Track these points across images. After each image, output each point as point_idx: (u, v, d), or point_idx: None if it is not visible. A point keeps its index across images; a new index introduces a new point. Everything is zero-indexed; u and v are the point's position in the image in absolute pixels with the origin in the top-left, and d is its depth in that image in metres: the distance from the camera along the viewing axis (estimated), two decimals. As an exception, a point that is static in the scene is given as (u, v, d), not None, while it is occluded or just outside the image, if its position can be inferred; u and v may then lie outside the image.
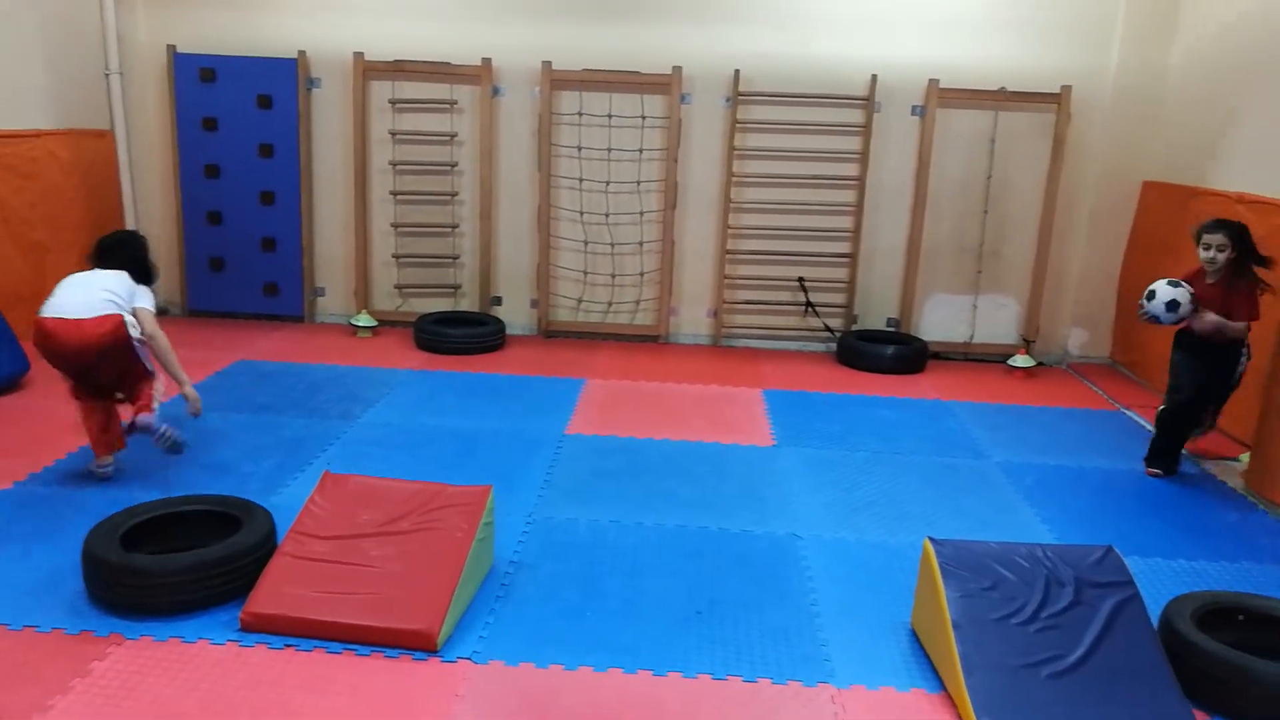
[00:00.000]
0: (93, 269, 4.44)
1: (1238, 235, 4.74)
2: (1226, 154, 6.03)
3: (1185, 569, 4.02)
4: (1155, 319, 4.81)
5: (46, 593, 3.36)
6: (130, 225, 7.37)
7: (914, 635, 3.39)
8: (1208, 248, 4.79)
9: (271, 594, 3.23)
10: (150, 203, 7.42)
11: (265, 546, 3.43)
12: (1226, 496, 4.83)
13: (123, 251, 4.56)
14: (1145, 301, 4.83)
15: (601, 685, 3.04)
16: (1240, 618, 3.28)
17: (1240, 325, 4.74)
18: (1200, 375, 4.91)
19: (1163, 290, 4.78)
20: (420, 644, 3.14)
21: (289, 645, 3.13)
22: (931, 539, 3.31)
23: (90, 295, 4.21)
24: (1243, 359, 4.92)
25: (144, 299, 4.45)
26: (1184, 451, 5.17)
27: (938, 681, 3.11)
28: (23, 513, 3.98)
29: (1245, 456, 5.11)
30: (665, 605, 3.52)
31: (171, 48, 7.04)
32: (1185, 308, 4.74)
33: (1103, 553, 3.31)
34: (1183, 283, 4.80)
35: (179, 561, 3.26)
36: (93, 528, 3.41)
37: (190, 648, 3.09)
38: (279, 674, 2.99)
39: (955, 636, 3.02)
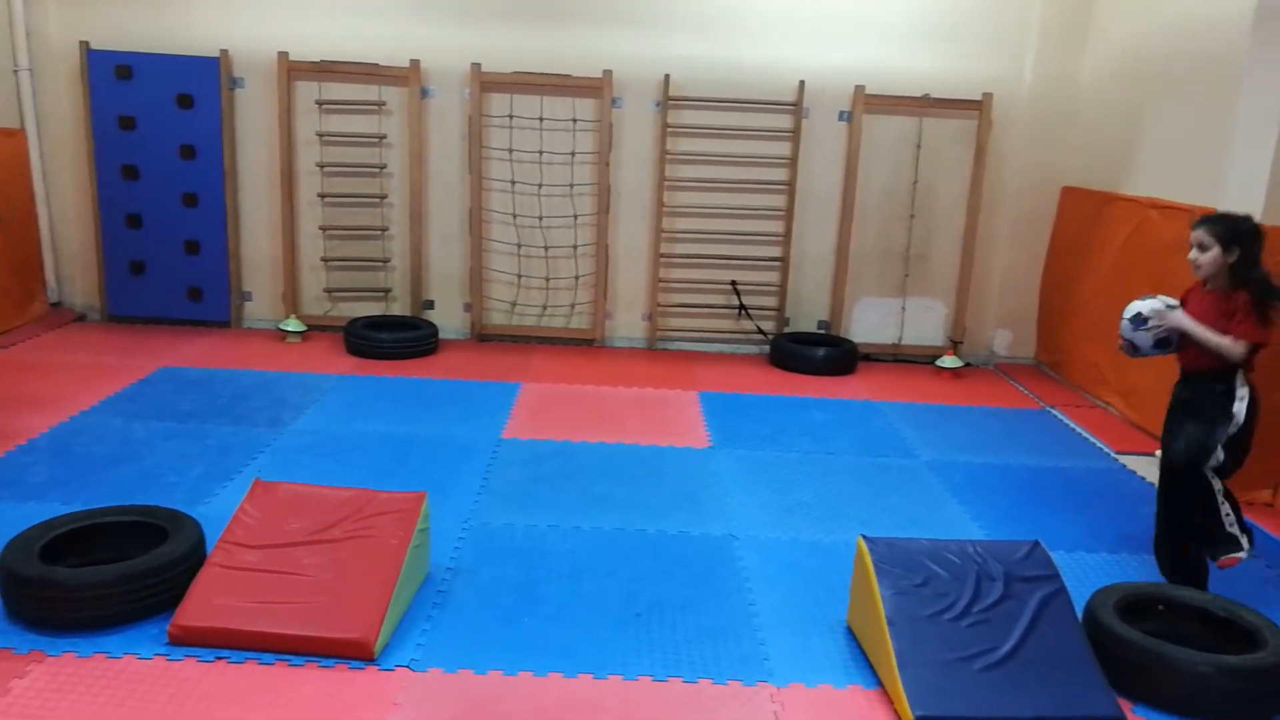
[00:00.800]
0: None
1: (1226, 232, 3.61)
2: (1138, 160, 6.26)
3: (1108, 562, 4.16)
4: (1130, 345, 3.85)
5: (-41, 610, 3.23)
6: (44, 228, 7.13)
7: (850, 633, 3.44)
8: (1190, 248, 3.71)
9: (200, 606, 3.14)
10: (64, 204, 7.17)
11: (194, 557, 3.34)
12: (1146, 491, 4.99)
13: None
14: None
15: (541, 690, 3.02)
16: (1160, 608, 3.40)
17: (1219, 340, 3.57)
18: (1191, 432, 3.71)
19: (1132, 305, 3.81)
20: (356, 653, 3.08)
21: (220, 658, 3.04)
22: (865, 537, 3.37)
23: None
24: (1238, 402, 3.65)
25: None
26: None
27: (874, 677, 3.16)
28: (-68, 527, 3.81)
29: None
30: (604, 608, 3.52)
31: (84, 44, 6.81)
32: (1156, 323, 3.73)
33: (1030, 547, 3.41)
34: (1160, 296, 3.81)
35: (102, 574, 3.15)
36: (9, 541, 3.27)
37: (116, 663, 2.99)
38: (209, 688, 2.91)
39: (890, 633, 3.07)
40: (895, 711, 2.96)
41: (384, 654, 3.13)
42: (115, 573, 3.16)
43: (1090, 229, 6.68)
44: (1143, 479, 5.16)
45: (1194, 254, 3.69)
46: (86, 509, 3.60)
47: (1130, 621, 3.22)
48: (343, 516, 3.49)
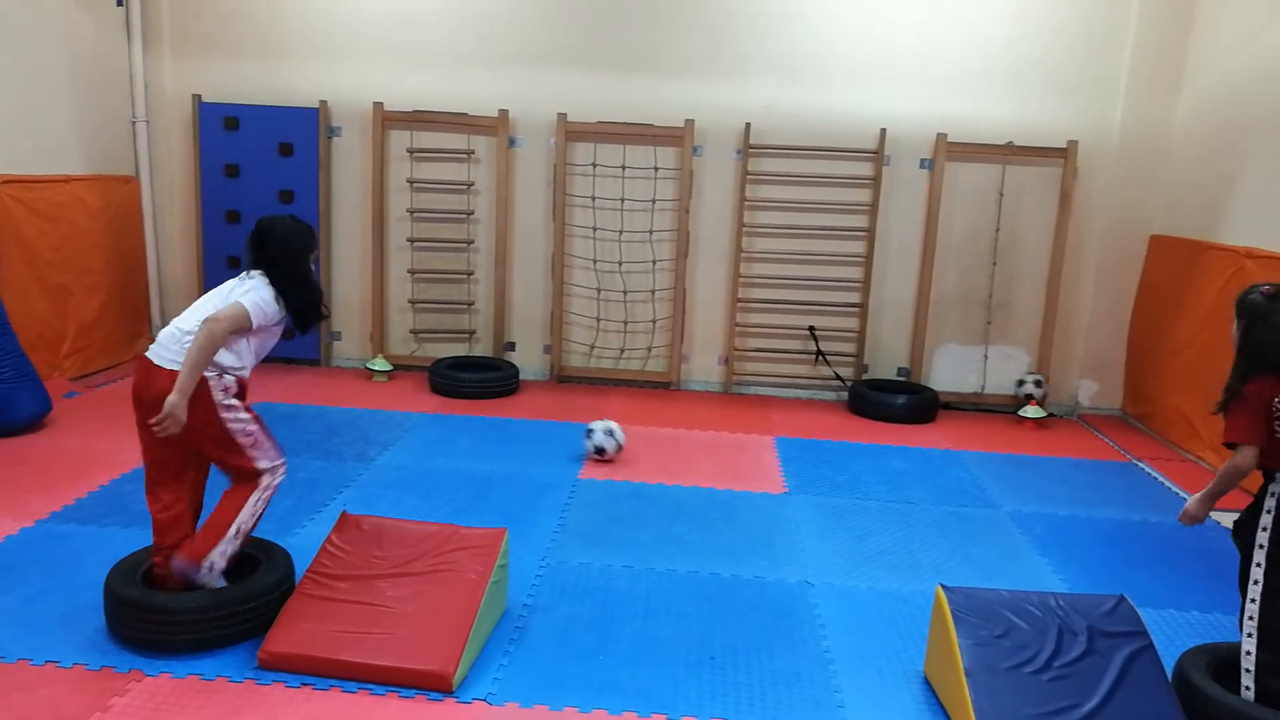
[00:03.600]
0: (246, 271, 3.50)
1: (1238, 303, 3.14)
2: (1233, 208, 6.11)
3: (1199, 621, 4.02)
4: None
5: (68, 629, 3.40)
6: (152, 270, 7.51)
7: (926, 683, 3.40)
8: None
9: (289, 633, 3.26)
10: (172, 247, 7.57)
11: (283, 586, 3.47)
12: (1238, 549, 4.83)
13: (262, 247, 3.47)
14: None
15: (615, 728, 3.05)
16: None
17: (1227, 466, 3.06)
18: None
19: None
20: (436, 685, 3.16)
21: (305, 684, 3.15)
22: (944, 586, 3.33)
23: (185, 321, 3.33)
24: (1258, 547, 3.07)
25: (250, 294, 3.34)
26: None
27: (951, 729, 3.12)
28: (44, 550, 4.02)
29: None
30: (678, 650, 3.54)
31: (197, 97, 7.22)
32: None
33: (1115, 602, 3.32)
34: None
35: (199, 600, 3.29)
36: (114, 565, 3.45)
37: (209, 685, 3.12)
38: (295, 712, 3.01)
39: (968, 684, 3.02)
40: (973, 765, 2.91)
41: (462, 687, 3.20)
42: (211, 598, 3.31)
43: (1181, 279, 6.52)
44: (1237, 536, 4.98)
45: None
46: (185, 536, 3.76)
47: (1223, 683, 3.11)
48: (425, 550, 3.59)
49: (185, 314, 3.40)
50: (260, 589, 3.40)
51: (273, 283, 3.43)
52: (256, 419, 3.47)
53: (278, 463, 3.53)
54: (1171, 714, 2.99)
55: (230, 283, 3.48)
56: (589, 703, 3.17)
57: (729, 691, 3.29)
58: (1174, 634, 3.84)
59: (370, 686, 3.15)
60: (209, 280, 7.39)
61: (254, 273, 3.47)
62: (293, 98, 7.24)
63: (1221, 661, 3.23)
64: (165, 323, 7.59)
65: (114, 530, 4.24)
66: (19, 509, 4.41)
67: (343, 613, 3.34)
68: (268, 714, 2.99)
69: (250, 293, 3.36)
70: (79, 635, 3.36)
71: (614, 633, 3.64)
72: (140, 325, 7.44)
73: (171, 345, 3.30)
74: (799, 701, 3.25)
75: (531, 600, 3.85)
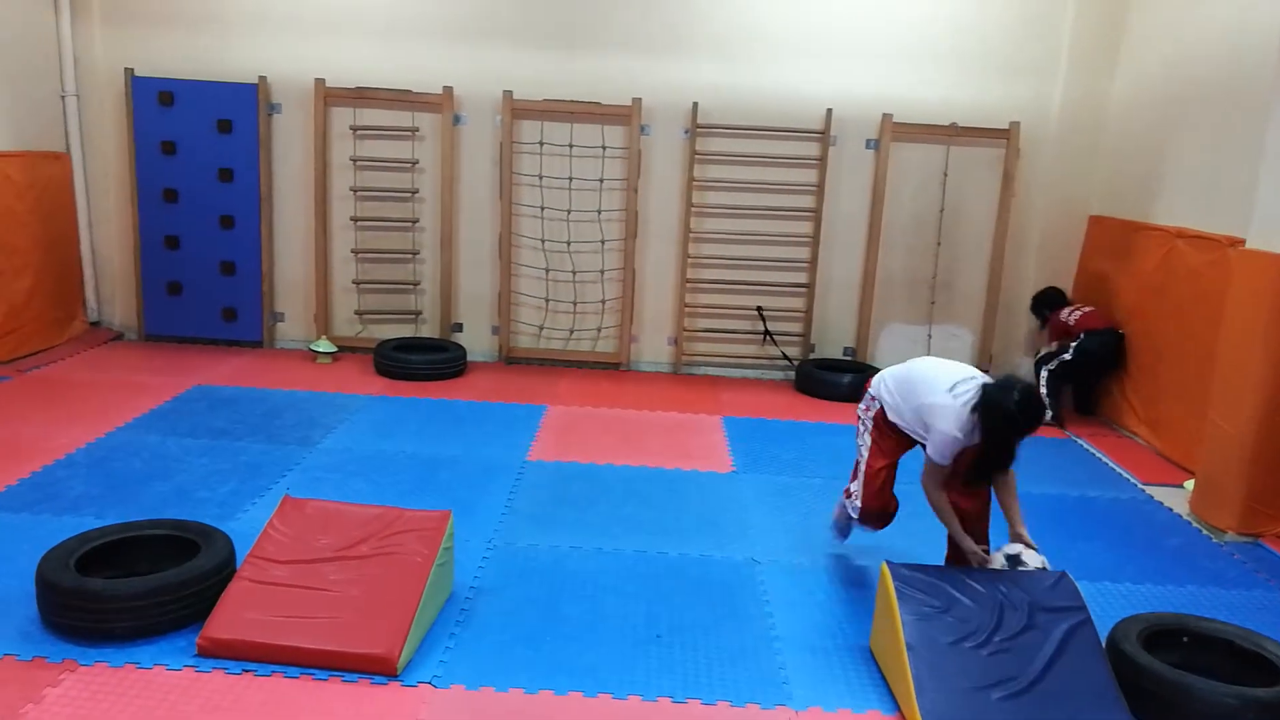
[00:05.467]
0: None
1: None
2: (1166, 189, 6.24)
3: (1132, 592, 4.13)
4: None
5: (-3, 619, 3.31)
6: (85, 250, 7.30)
7: (871, 657, 3.44)
8: None
9: (229, 619, 3.20)
10: (106, 226, 7.35)
11: (224, 571, 3.40)
12: (1172, 522, 4.96)
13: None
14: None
15: (562, 708, 3.05)
16: (1184, 639, 3.37)
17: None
18: None
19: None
20: (380, 668, 3.13)
21: (247, 670, 3.10)
22: (888, 563, 3.38)
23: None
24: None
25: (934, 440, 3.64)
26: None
27: (893, 703, 3.16)
28: (-28, 538, 3.91)
29: (1189, 484, 5.25)
30: (625, 629, 3.55)
31: (129, 71, 7.00)
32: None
33: (1056, 578, 3.39)
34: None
35: (135, 586, 3.22)
36: (46, 552, 3.36)
37: (146, 673, 3.06)
38: (236, 699, 2.96)
39: (909, 659, 3.07)
40: (914, 737, 2.96)
41: (407, 670, 3.17)
42: (147, 585, 3.23)
43: (1118, 258, 6.65)
44: (1169, 510, 5.12)
45: None
46: (121, 523, 3.69)
47: (1154, 652, 3.20)
48: (369, 534, 3.55)
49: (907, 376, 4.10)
50: (200, 574, 3.33)
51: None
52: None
53: (853, 502, 4.05)
54: (1105, 683, 3.06)
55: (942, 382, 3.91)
56: (535, 683, 3.16)
57: (674, 669, 3.30)
58: (1109, 605, 3.94)
59: (313, 671, 3.11)
60: (146, 261, 7.21)
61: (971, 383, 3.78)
62: (230, 73, 7.06)
63: (1153, 631, 3.32)
64: (100, 303, 7.33)
65: (46, 518, 4.13)
66: (-54, 496, 4.28)
67: (285, 597, 3.29)
68: (207, 702, 2.94)
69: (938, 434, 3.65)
70: (10, 625, 3.27)
71: (561, 613, 3.64)
72: (74, 307, 7.22)
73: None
74: (744, 678, 3.28)
75: (478, 582, 3.83)
